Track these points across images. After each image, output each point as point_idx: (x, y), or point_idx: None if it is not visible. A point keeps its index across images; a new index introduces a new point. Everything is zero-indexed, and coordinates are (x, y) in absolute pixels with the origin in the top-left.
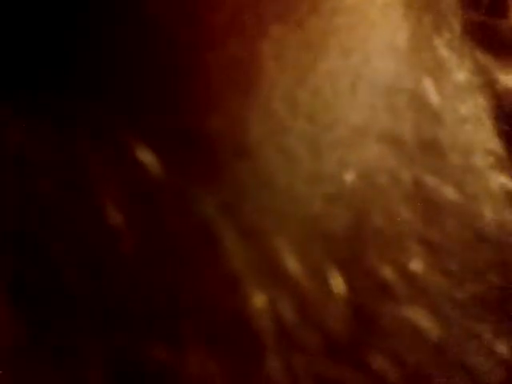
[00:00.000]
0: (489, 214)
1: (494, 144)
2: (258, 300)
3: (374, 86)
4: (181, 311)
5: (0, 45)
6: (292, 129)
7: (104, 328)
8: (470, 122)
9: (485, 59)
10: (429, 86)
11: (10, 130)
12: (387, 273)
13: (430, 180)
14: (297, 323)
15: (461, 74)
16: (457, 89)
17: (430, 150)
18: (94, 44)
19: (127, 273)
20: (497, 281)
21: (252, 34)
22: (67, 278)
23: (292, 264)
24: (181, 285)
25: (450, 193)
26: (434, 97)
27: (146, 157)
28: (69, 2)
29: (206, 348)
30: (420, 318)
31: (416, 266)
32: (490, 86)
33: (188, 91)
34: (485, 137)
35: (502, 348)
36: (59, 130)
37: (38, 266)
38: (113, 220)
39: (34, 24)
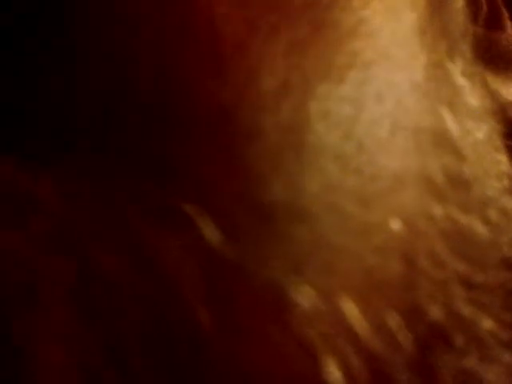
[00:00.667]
0: None
1: (507, 166)
2: (333, 365)
3: (405, 129)
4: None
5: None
6: (341, 184)
7: None
8: (485, 147)
9: (493, 80)
10: (448, 118)
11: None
12: (441, 319)
13: (461, 216)
14: (363, 374)
15: (474, 100)
16: (472, 115)
17: (458, 185)
18: (145, 113)
19: (204, 350)
20: None
21: (300, 94)
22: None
23: (357, 320)
24: (255, 358)
25: (479, 227)
26: (453, 128)
27: (206, 227)
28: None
29: None
30: (477, 366)
31: (465, 311)
32: (494, 105)
33: (247, 160)
34: (499, 159)
35: None
36: (113, 196)
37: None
38: (187, 296)
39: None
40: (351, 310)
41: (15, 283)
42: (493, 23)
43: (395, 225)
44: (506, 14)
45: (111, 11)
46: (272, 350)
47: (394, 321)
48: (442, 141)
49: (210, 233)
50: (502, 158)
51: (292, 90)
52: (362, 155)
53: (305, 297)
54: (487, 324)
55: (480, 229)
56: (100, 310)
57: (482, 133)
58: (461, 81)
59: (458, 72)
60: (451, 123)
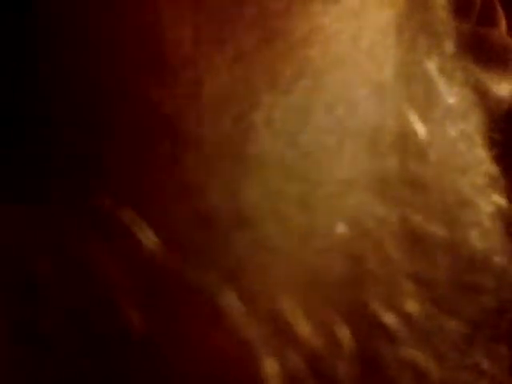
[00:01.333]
0: (477, 241)
1: (487, 163)
2: (269, 362)
3: (359, 135)
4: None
5: None
6: (283, 191)
7: None
8: (461, 145)
9: (477, 73)
10: (414, 119)
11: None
12: (387, 316)
13: (415, 217)
14: (308, 378)
15: (451, 97)
16: (446, 113)
17: (414, 187)
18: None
19: (140, 355)
20: (489, 304)
21: (243, 105)
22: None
23: (298, 320)
24: (189, 357)
25: (436, 227)
26: (420, 129)
27: (147, 236)
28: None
29: None
30: (419, 358)
31: (411, 306)
32: (482, 101)
33: (184, 165)
34: (477, 156)
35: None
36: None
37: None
38: (121, 303)
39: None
40: (291, 310)
41: None
42: (486, 19)
43: (340, 227)
44: (500, 12)
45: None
46: (210, 352)
47: (335, 319)
48: (405, 143)
49: (147, 240)
50: (483, 154)
51: (235, 101)
52: (307, 162)
53: (243, 300)
54: (435, 319)
55: (440, 229)
56: (34, 321)
57: (455, 130)
58: (437, 78)
59: (436, 69)
60: (417, 124)
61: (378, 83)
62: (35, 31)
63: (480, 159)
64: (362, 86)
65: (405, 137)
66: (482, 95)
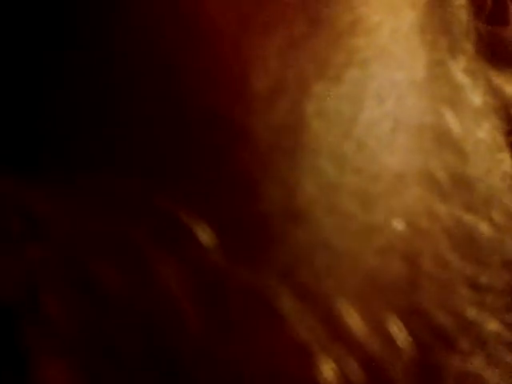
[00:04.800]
0: None
1: (509, 164)
2: (326, 366)
3: (407, 128)
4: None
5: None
6: (341, 184)
7: None
8: (487, 146)
9: (497, 77)
10: (449, 117)
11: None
12: (446, 322)
13: (465, 215)
14: (359, 377)
15: (477, 98)
16: (473, 113)
17: (461, 184)
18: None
19: (193, 352)
20: None
21: (296, 93)
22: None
23: (355, 322)
24: (246, 359)
25: (483, 227)
26: (455, 127)
27: (203, 234)
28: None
29: None
30: (482, 368)
31: (471, 313)
32: (502, 104)
33: (239, 162)
34: (501, 158)
35: None
36: (112, 212)
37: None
38: (177, 301)
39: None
40: (349, 312)
41: (17, 299)
42: (497, 18)
43: (398, 225)
44: (510, 8)
45: (110, 12)
46: (264, 351)
47: (393, 323)
48: (444, 139)
49: (207, 240)
50: (505, 156)
51: (287, 89)
52: (362, 154)
53: (299, 300)
54: (492, 326)
55: (484, 228)
56: (99, 321)
57: (483, 131)
58: (462, 79)
59: (460, 69)
60: (453, 122)
61: (414, 79)
62: None
63: (504, 161)
64: (403, 80)
65: (444, 133)
66: (497, 96)
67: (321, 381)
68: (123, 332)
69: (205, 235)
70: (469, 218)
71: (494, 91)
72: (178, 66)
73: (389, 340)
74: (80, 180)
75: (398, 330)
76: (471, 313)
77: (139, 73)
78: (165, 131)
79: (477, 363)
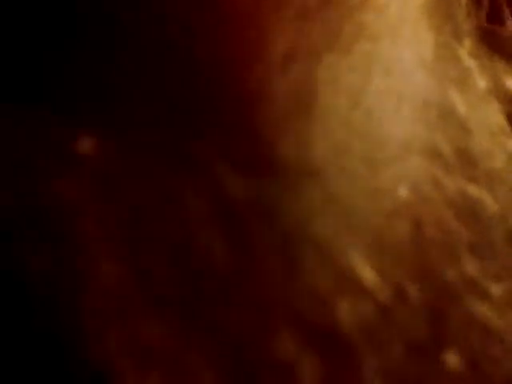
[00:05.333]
0: None
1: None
2: (342, 311)
3: (412, 102)
4: (271, 323)
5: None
6: (349, 148)
7: None
8: (492, 128)
9: (497, 65)
10: (455, 96)
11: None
12: (451, 279)
13: (471, 189)
14: (379, 328)
15: (482, 82)
16: (479, 96)
17: (465, 158)
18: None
19: (221, 289)
20: None
21: (308, 61)
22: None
23: (366, 274)
24: (269, 299)
25: (487, 200)
26: (460, 107)
27: (230, 178)
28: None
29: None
30: (483, 312)
31: (474, 274)
32: (502, 91)
33: (256, 120)
34: (505, 140)
35: None
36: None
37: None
38: (204, 239)
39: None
40: (360, 262)
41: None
42: (494, 19)
43: (403, 191)
44: (506, 11)
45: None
46: (285, 294)
47: (401, 275)
48: (450, 117)
49: (228, 177)
50: (508, 138)
51: (300, 57)
52: (370, 122)
53: (314, 250)
54: (495, 288)
55: (488, 202)
56: (136, 246)
57: (488, 113)
58: (468, 61)
59: (465, 53)
60: (458, 101)
61: (422, 58)
62: None
63: (507, 143)
64: (411, 58)
65: (449, 111)
66: (499, 81)
67: (339, 326)
68: (153, 254)
69: (226, 173)
70: (473, 190)
71: (498, 78)
72: (196, 29)
73: (396, 287)
74: (118, 126)
75: (405, 280)
76: (475, 274)
77: (162, 43)
78: (189, 93)
79: (481, 309)
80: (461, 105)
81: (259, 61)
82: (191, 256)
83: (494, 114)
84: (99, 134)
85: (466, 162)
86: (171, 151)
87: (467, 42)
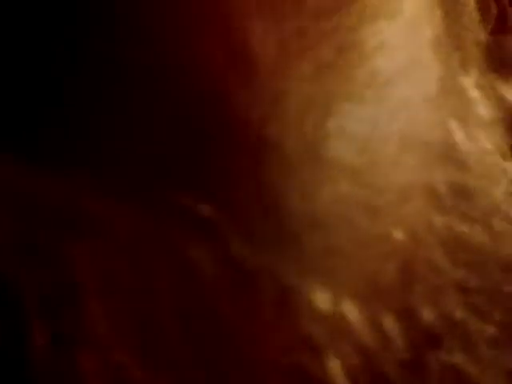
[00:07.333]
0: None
1: None
2: (333, 362)
3: (414, 145)
4: (270, 373)
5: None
6: (351, 196)
7: None
8: (493, 157)
9: (502, 85)
10: (456, 131)
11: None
12: (434, 321)
13: (461, 225)
14: (361, 374)
15: (485, 110)
16: (482, 126)
17: (460, 195)
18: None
19: (228, 343)
20: None
21: (322, 113)
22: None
23: (356, 320)
24: (269, 351)
25: (479, 235)
26: (461, 140)
27: (233, 235)
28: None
29: None
30: (464, 363)
31: (458, 313)
32: (508, 114)
33: (267, 172)
34: (505, 167)
35: None
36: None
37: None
38: (215, 301)
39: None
40: (352, 311)
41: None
42: (501, 26)
43: (398, 235)
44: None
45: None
46: (279, 342)
47: (388, 321)
48: (449, 154)
49: (234, 240)
50: (509, 165)
51: (315, 109)
52: (373, 170)
53: (315, 298)
54: (477, 325)
55: (480, 237)
56: (139, 306)
57: (490, 142)
58: (473, 93)
59: (471, 84)
60: (459, 135)
61: (427, 95)
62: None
63: (507, 170)
64: (416, 97)
65: (450, 147)
66: (502, 106)
67: (328, 375)
68: (160, 315)
69: (231, 235)
70: (464, 226)
71: (501, 101)
72: (221, 80)
73: (383, 336)
74: (117, 179)
75: (392, 329)
76: (458, 313)
77: (181, 82)
78: (202, 137)
79: (460, 359)
80: (461, 139)
81: (275, 116)
82: (200, 319)
83: (496, 142)
84: (107, 196)
85: (461, 198)
86: (178, 212)
87: (474, 71)
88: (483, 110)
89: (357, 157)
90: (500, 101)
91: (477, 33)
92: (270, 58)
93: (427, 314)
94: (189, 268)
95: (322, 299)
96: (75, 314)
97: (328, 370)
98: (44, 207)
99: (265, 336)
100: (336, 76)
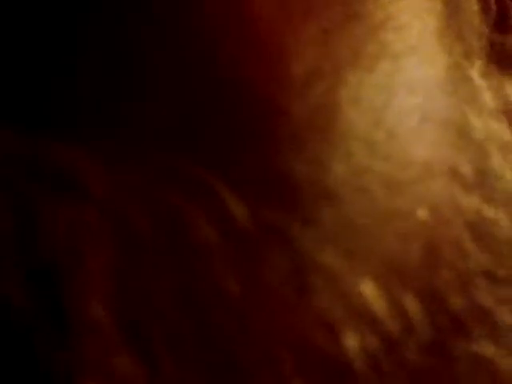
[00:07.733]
0: None
1: None
2: (350, 340)
3: (434, 121)
4: (280, 351)
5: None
6: (370, 169)
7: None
8: (508, 146)
9: (507, 84)
10: (472, 117)
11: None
12: (462, 308)
13: (487, 209)
14: (382, 357)
15: (492, 101)
16: (491, 115)
17: (484, 179)
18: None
19: (231, 320)
20: None
21: (330, 80)
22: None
23: (375, 301)
24: (279, 328)
25: (504, 221)
26: (477, 127)
27: (237, 207)
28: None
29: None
30: (491, 353)
31: (486, 302)
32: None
33: (273, 139)
34: None
35: None
36: (149, 181)
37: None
38: (217, 272)
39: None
40: (371, 291)
41: (58, 255)
42: (502, 25)
43: (422, 213)
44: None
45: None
46: (293, 323)
47: (411, 304)
48: (468, 137)
49: (234, 205)
50: None
51: (323, 75)
52: (392, 142)
53: (326, 276)
54: (506, 317)
55: (505, 223)
56: (137, 273)
57: (501, 132)
58: (479, 82)
59: (476, 73)
60: (475, 121)
61: (438, 78)
62: None
63: None
64: (430, 77)
65: (467, 130)
66: (506, 102)
67: (345, 355)
68: (158, 282)
69: (234, 205)
70: (490, 211)
71: (504, 95)
72: (222, 46)
73: (406, 319)
74: (117, 141)
75: (414, 311)
76: (487, 303)
77: (182, 56)
78: (204, 102)
79: (491, 351)
80: (477, 125)
81: (281, 79)
82: (201, 287)
83: (505, 133)
84: (106, 159)
85: (485, 182)
86: (183, 178)
87: (478, 63)
88: (490, 100)
89: (373, 128)
90: (503, 94)
91: (478, 27)
92: (272, 21)
93: (454, 300)
94: (187, 232)
95: (335, 277)
96: (69, 287)
97: (345, 349)
98: (43, 169)
99: (272, 308)
100: (344, 43)
